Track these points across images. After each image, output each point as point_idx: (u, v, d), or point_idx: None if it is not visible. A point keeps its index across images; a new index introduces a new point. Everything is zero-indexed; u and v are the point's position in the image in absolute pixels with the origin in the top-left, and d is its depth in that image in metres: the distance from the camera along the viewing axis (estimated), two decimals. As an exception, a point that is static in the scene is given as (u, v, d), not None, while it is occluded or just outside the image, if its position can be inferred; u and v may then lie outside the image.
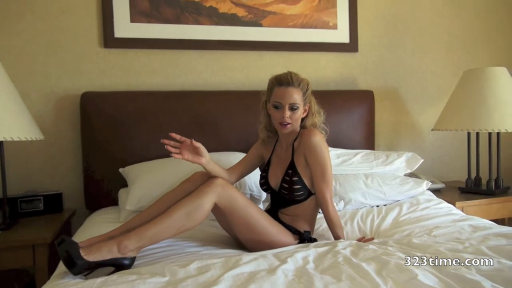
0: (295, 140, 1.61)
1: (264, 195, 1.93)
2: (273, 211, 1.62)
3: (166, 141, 1.45)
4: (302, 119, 1.61)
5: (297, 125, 1.59)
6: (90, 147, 2.09)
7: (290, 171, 1.56)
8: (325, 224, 1.69)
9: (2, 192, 1.84)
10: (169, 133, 1.47)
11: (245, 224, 1.45)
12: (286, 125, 1.54)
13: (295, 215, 1.58)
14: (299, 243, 1.52)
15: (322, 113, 1.65)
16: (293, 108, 1.53)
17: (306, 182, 1.56)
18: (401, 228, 1.68)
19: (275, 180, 1.62)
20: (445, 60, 2.76)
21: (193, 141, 1.47)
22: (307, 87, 1.57)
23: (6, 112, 1.73)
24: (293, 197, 1.56)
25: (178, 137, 1.48)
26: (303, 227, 1.58)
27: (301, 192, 1.55)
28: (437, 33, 2.73)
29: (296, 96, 1.52)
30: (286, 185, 1.56)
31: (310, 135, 1.55)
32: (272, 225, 1.49)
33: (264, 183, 1.65)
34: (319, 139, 1.54)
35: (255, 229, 1.45)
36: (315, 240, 1.58)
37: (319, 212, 1.64)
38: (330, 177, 1.56)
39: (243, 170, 1.71)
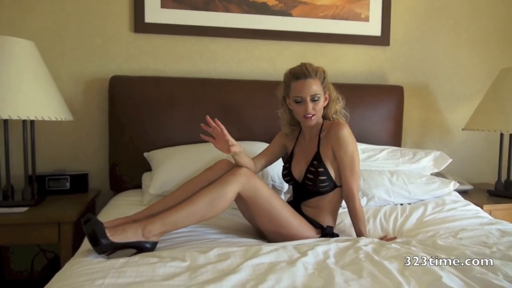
0: (320, 131, 1.59)
1: (286, 186, 1.92)
2: (295, 204, 1.60)
3: (204, 126, 1.49)
4: (324, 108, 1.59)
5: (320, 115, 1.57)
6: (116, 130, 2.12)
7: (315, 162, 1.54)
8: (347, 220, 1.68)
9: (31, 170, 1.89)
10: (206, 116, 1.48)
11: (268, 215, 1.44)
12: (311, 117, 1.52)
13: (318, 208, 1.56)
14: (320, 237, 1.51)
15: (341, 99, 1.63)
16: (314, 99, 1.51)
17: (332, 174, 1.54)
18: (425, 229, 1.64)
19: (298, 172, 1.61)
20: (479, 57, 2.66)
21: (226, 135, 1.45)
22: (324, 75, 1.55)
23: (38, 92, 1.77)
24: (318, 188, 1.54)
25: (210, 122, 1.47)
26: (325, 221, 1.56)
27: (326, 184, 1.54)
28: (472, 30, 2.63)
29: (315, 87, 1.51)
30: (311, 176, 1.54)
31: (339, 128, 1.53)
32: (294, 218, 1.48)
33: (287, 174, 1.64)
34: (347, 132, 1.52)
35: (277, 220, 1.45)
36: (337, 235, 1.56)
37: (342, 207, 1.62)
38: (358, 171, 1.54)
39: (267, 160, 1.70)
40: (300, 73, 1.51)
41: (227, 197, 1.37)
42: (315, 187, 1.54)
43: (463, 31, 2.62)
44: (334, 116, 1.61)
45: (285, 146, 1.72)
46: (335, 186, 1.56)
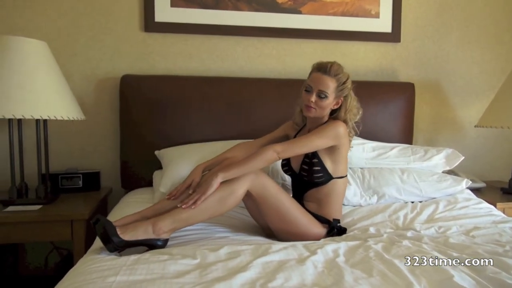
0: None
1: None
2: (297, 200, 1.59)
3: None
4: (334, 111, 1.59)
5: (323, 113, 1.56)
6: (127, 128, 2.14)
7: (310, 154, 1.56)
8: (355, 216, 1.71)
9: (45, 168, 1.92)
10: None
11: (276, 212, 1.45)
12: (310, 108, 1.53)
13: (318, 202, 1.57)
14: (328, 232, 1.51)
15: (359, 113, 1.61)
16: (320, 96, 1.51)
17: (327, 165, 1.55)
18: (437, 224, 1.62)
19: (296, 162, 1.62)
20: (492, 53, 2.61)
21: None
22: (345, 80, 1.54)
23: (51, 92, 1.80)
24: (313, 179, 1.55)
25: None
26: (330, 214, 1.56)
27: (321, 174, 1.55)
28: (485, 25, 2.58)
29: (328, 84, 1.51)
30: (306, 167, 1.56)
31: (333, 122, 1.55)
32: (302, 215, 1.49)
33: (286, 164, 1.65)
34: (335, 127, 1.52)
35: (286, 217, 1.45)
36: (344, 229, 1.56)
37: (352, 205, 1.62)
38: (303, 143, 1.51)
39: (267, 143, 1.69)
40: (322, 67, 1.53)
41: (237, 194, 1.39)
42: (310, 178, 1.55)
43: (476, 26, 2.57)
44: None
45: (287, 136, 1.73)
46: (330, 177, 1.56)
